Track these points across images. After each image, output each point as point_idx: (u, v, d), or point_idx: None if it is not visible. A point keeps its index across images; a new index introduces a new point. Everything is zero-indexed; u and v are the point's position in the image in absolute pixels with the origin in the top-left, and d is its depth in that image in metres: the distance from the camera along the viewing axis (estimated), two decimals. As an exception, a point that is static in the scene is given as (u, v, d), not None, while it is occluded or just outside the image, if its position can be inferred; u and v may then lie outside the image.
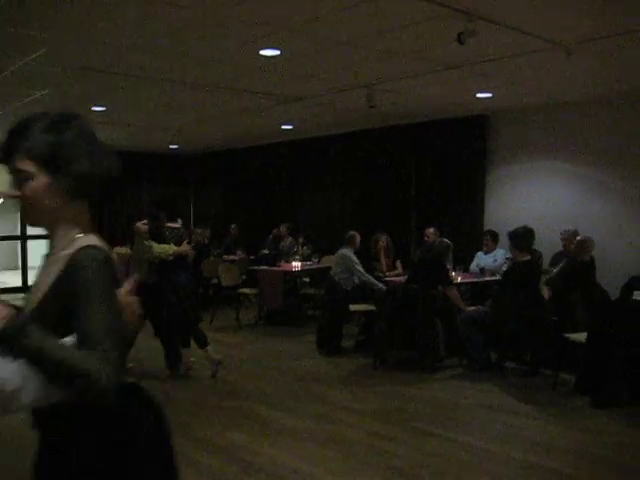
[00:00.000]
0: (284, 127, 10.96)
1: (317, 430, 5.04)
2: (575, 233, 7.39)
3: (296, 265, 9.77)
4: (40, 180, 1.62)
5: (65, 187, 1.64)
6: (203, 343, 6.67)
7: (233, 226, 12.68)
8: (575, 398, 5.77)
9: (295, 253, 10.85)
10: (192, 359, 6.79)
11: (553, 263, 7.74)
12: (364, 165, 11.19)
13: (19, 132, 1.64)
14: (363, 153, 11.14)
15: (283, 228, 11.46)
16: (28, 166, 1.62)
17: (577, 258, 6.71)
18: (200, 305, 8.40)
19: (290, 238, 11.28)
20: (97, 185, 1.72)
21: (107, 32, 5.35)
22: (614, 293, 6.58)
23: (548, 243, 7.96)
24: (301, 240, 11.29)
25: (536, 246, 7.22)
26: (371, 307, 7.72)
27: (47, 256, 1.69)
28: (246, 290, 9.99)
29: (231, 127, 10.85)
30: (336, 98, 8.20)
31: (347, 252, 7.95)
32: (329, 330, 7.81)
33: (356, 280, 7.85)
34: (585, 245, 6.72)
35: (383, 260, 8.73)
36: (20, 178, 1.63)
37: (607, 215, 8.13)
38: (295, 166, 12.63)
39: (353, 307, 7.77)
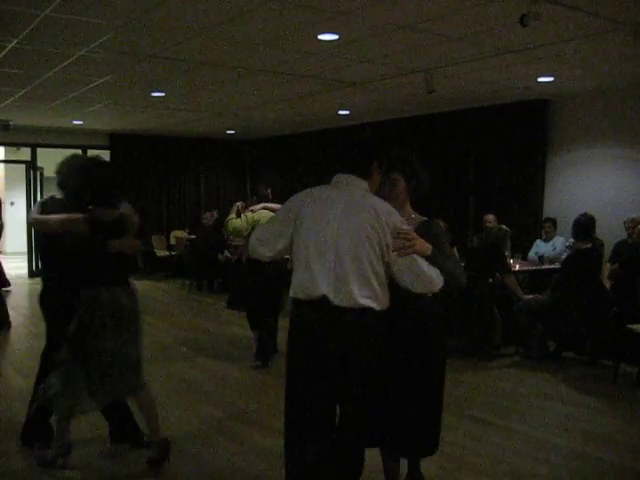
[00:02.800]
0: (341, 112, 10.94)
1: (371, 415, 5.04)
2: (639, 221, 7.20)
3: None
4: (402, 185, 3.23)
5: (410, 189, 3.26)
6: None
7: None
8: (637, 390, 5.64)
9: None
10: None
11: (616, 251, 7.54)
12: (422, 151, 11.07)
13: (398, 160, 3.23)
14: (421, 139, 11.03)
15: None
16: (399, 177, 3.22)
17: (638, 246, 6.55)
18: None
19: None
20: (421, 190, 3.30)
21: (166, 18, 5.43)
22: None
23: (610, 231, 7.75)
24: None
25: (597, 234, 7.06)
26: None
27: None
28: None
29: (288, 112, 10.89)
30: (394, 83, 8.14)
31: None
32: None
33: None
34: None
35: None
36: (392, 183, 3.21)
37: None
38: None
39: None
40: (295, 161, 13.96)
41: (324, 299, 2.83)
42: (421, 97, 8.76)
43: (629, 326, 5.86)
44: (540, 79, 7.85)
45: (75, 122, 12.13)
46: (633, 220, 7.41)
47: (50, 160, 14.63)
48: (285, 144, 14.33)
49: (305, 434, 2.97)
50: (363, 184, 3.01)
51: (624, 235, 7.56)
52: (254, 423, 4.86)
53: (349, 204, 2.91)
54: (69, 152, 14.00)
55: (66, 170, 4.11)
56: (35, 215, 4.02)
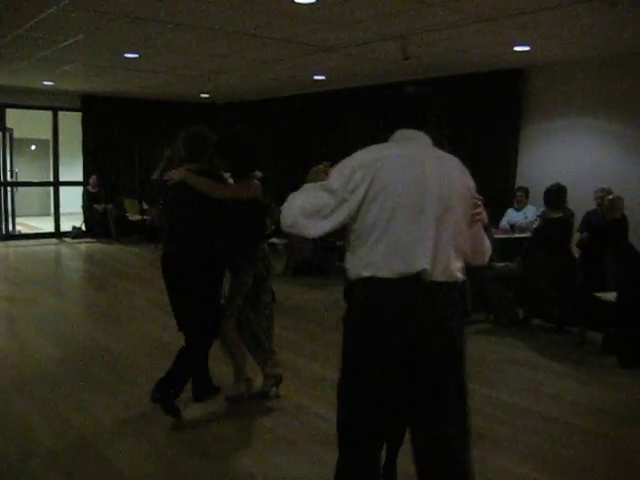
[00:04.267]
0: (316, 77, 10.86)
1: (343, 379, 5.11)
2: (609, 192, 7.29)
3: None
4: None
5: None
6: None
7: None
8: (602, 357, 5.77)
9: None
10: None
11: (586, 221, 7.66)
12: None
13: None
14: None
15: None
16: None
17: (608, 216, 6.65)
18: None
19: None
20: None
21: (141, -24, 5.32)
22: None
23: (581, 201, 7.85)
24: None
25: (569, 204, 7.14)
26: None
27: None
28: (275, 240, 10.03)
29: (263, 76, 10.78)
30: (370, 49, 8.09)
31: None
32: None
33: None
34: (615, 203, 6.65)
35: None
36: None
37: (643, 174, 7.98)
38: (328, 117, 12.54)
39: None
40: (271, 125, 13.87)
41: (420, 274, 2.34)
42: (397, 64, 8.73)
43: (595, 294, 5.98)
44: (516, 48, 7.86)
45: (45, 82, 11.88)
46: (602, 190, 7.50)
47: (20, 121, 14.47)
48: (260, 108, 14.21)
49: (369, 438, 2.50)
50: (429, 140, 2.62)
51: (595, 205, 7.67)
52: (226, 386, 4.89)
53: (438, 162, 2.51)
54: (40, 113, 13.64)
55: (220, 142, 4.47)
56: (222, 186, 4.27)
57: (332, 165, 2.73)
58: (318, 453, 3.75)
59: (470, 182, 2.57)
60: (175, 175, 4.23)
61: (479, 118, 9.74)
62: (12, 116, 13.58)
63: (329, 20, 6.66)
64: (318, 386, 4.93)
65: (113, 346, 5.92)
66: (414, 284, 2.34)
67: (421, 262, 2.33)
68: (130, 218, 13.75)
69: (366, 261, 2.38)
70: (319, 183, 2.51)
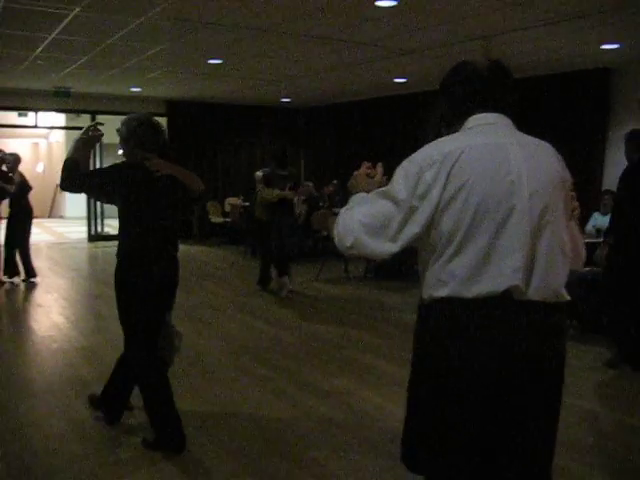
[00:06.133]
0: (397, 80, 10.84)
1: (422, 382, 5.09)
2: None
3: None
4: None
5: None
6: (284, 272, 8.36)
7: (335, 181, 12.69)
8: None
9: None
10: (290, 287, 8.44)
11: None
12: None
13: None
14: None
15: None
16: None
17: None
18: (297, 243, 9.69)
19: None
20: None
21: (227, -16, 5.45)
22: None
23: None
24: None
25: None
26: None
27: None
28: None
29: (343, 80, 10.84)
30: (452, 50, 8.02)
31: None
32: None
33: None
34: None
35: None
36: None
37: None
38: (407, 120, 12.49)
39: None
40: (350, 128, 13.93)
41: (509, 293, 1.91)
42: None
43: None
44: (604, 46, 7.63)
45: (133, 89, 12.32)
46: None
47: (108, 127, 14.97)
48: (339, 112, 14.28)
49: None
50: (513, 125, 2.12)
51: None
52: (307, 386, 4.95)
53: (528, 150, 2.01)
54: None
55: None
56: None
57: (374, 165, 2.36)
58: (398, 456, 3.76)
59: (566, 173, 2.07)
60: (161, 166, 3.88)
61: (565, 120, 9.48)
62: (101, 121, 14.13)
63: (410, 23, 6.65)
64: (398, 388, 4.93)
65: (198, 346, 6.08)
66: (502, 305, 1.91)
67: (511, 277, 1.90)
68: (212, 220, 14.07)
69: (441, 278, 1.96)
70: (379, 190, 2.07)
